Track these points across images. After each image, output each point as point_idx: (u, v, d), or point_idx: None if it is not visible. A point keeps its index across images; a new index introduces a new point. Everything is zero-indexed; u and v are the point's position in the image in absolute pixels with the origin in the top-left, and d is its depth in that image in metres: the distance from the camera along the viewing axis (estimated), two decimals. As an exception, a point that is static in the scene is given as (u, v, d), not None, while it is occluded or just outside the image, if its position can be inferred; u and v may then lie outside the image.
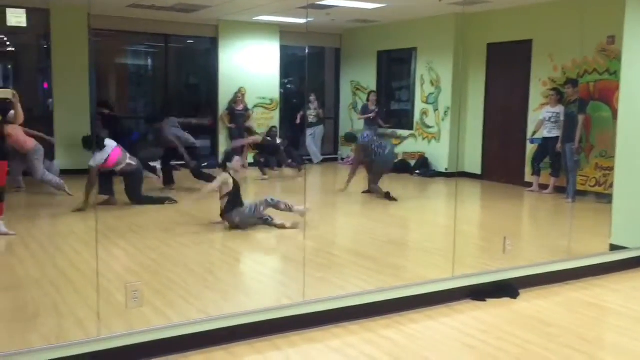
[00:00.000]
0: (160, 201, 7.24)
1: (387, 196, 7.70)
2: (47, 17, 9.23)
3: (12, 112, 5.48)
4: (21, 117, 5.51)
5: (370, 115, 11.51)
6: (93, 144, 7.08)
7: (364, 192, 8.17)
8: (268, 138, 11.14)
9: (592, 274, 4.90)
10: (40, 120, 9.83)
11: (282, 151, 9.94)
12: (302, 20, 10.68)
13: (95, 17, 7.35)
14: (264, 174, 9.57)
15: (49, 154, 8.82)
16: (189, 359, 3.25)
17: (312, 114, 11.92)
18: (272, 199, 6.08)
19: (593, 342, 3.64)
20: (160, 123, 8.40)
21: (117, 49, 11.91)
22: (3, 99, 5.40)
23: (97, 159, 6.74)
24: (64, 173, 8.14)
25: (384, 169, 8.09)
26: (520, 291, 4.42)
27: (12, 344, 3.24)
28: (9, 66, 11.22)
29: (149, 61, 12.89)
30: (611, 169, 5.57)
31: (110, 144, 6.95)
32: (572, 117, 8.06)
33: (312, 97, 11.84)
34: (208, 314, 3.68)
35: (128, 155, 7.05)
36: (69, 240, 5.72)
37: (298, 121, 12.22)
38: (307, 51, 11.98)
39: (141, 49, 12.52)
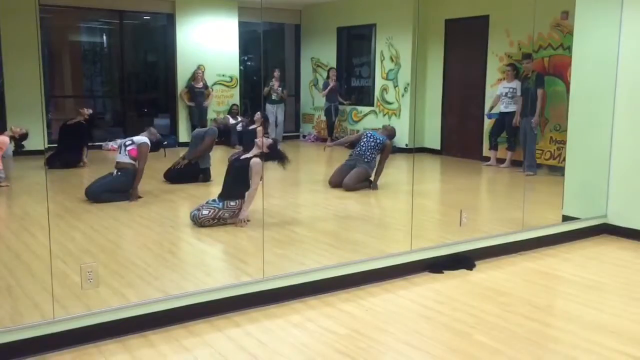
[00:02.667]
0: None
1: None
2: (-6, -8, 8.85)
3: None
4: None
5: (330, 88, 11.47)
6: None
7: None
8: (229, 116, 11.06)
9: (545, 244, 5.06)
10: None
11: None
12: (260, -4, 10.53)
13: (45, -8, 7.09)
14: None
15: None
16: (148, 337, 3.24)
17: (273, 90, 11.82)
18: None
19: (544, 310, 3.77)
20: None
21: (70, 25, 11.53)
22: None
23: None
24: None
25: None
26: (476, 263, 4.54)
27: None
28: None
29: (104, 38, 12.54)
30: (565, 142, 5.72)
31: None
32: (529, 92, 8.22)
33: (277, 73, 11.67)
34: (167, 293, 3.66)
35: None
36: (24, 223, 5.59)
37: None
38: (262, 27, 11.80)
39: (95, 25, 12.16)
